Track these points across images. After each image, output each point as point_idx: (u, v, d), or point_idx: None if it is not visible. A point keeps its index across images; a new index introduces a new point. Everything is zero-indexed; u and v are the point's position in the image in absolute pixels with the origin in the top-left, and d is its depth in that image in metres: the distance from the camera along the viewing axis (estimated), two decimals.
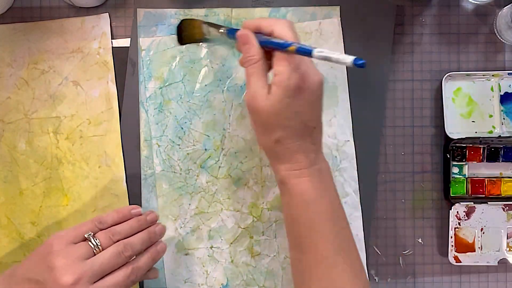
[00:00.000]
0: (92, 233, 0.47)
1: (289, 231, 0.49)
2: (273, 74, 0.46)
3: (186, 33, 0.56)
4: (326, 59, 0.43)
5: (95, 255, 0.46)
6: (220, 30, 0.53)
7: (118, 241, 0.47)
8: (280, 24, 0.47)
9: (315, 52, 0.44)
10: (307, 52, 0.44)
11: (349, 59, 0.41)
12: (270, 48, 0.47)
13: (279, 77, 0.45)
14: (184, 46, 0.58)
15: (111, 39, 0.59)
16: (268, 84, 0.46)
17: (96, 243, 0.46)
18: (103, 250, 0.46)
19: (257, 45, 0.46)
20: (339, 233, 0.48)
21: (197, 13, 0.59)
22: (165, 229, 0.53)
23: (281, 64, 0.45)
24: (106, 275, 0.46)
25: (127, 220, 0.50)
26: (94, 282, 0.44)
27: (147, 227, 0.51)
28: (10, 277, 0.47)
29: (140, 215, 0.51)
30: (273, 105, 0.45)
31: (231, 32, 0.51)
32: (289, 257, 0.58)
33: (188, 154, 0.58)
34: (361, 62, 0.41)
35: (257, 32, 0.48)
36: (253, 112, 0.47)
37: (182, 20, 0.57)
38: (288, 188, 0.47)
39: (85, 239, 0.47)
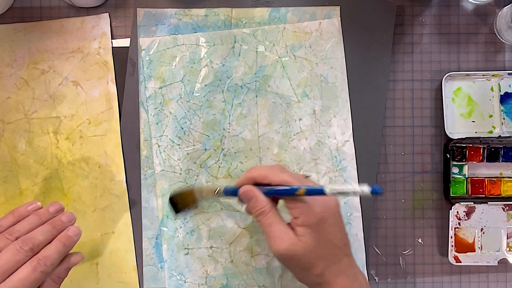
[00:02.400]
0: None
1: None
2: (292, 217, 0.47)
3: (180, 206, 0.53)
4: (341, 194, 0.43)
5: None
6: (216, 192, 0.51)
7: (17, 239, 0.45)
8: (273, 172, 0.48)
9: (328, 190, 0.43)
10: (319, 192, 0.44)
11: (366, 189, 0.41)
12: (277, 196, 0.48)
13: (301, 218, 0.46)
14: (184, 46, 0.58)
15: (111, 39, 0.59)
16: (287, 223, 0.47)
17: None
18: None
19: (262, 196, 0.48)
20: None
21: (197, 13, 0.59)
22: (73, 215, 0.49)
23: (297, 207, 0.46)
24: (11, 274, 0.44)
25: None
26: None
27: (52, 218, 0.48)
28: None
29: (40, 208, 0.49)
30: (307, 243, 0.46)
31: (228, 192, 0.50)
32: None
33: (188, 154, 0.58)
34: (379, 190, 0.40)
35: (256, 184, 0.48)
36: (288, 258, 0.47)
37: (172, 196, 0.53)
38: None
39: None
